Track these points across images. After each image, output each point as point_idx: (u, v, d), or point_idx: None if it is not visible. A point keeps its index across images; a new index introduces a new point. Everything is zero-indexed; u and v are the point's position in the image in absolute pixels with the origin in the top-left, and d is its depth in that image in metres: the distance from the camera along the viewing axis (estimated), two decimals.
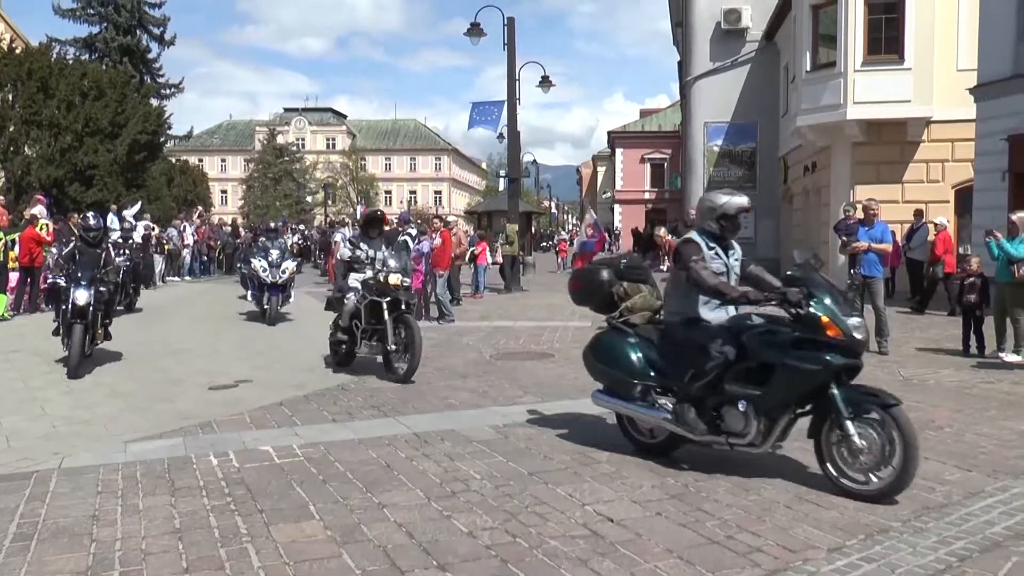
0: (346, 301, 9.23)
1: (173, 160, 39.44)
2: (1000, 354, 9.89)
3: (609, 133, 57.90)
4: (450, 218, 20.37)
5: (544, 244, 53.39)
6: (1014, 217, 10.03)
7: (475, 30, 22.04)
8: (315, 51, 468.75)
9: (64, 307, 9.02)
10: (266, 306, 13.95)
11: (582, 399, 7.82)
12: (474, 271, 19.61)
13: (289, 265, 14.33)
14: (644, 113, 62.46)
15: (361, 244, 9.74)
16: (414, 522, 4.48)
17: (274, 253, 14.32)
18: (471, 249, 19.78)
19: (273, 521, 4.50)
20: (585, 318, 14.45)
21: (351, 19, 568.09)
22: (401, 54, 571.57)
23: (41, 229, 14.97)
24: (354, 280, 9.43)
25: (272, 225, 16.12)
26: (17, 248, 14.43)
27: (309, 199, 70.09)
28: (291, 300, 14.62)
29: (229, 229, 30.33)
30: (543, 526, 4.44)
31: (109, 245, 10.12)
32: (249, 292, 14.87)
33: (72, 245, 9.60)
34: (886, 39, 18.86)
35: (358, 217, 33.78)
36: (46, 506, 4.77)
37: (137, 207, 25.18)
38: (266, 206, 64.30)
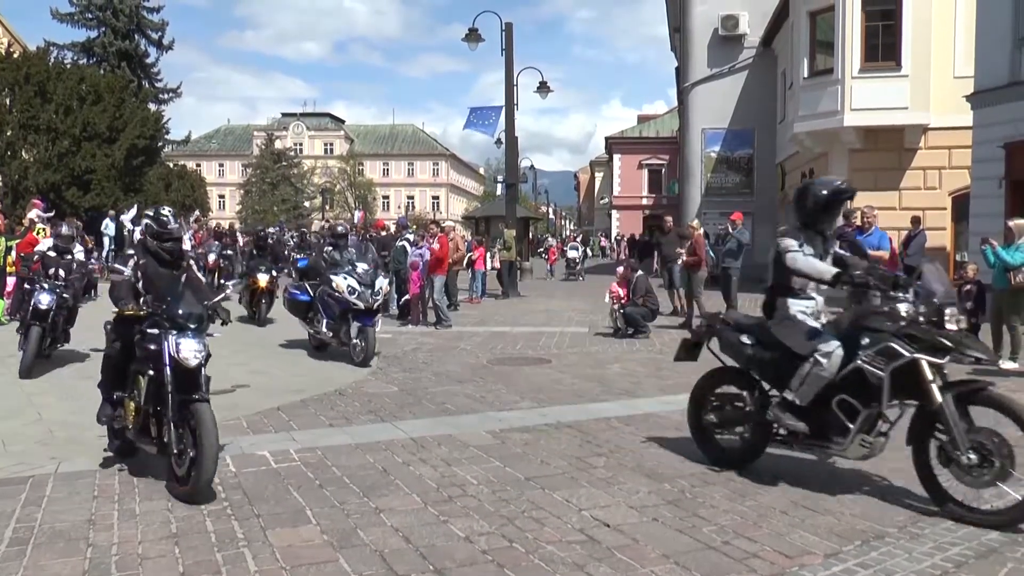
0: (821, 358, 5.01)
1: (171, 165, 39.36)
2: (997, 361, 9.90)
3: (607, 139, 58.06)
4: (447, 223, 20.37)
5: (540, 250, 53.48)
6: (1011, 224, 10.06)
7: (473, 35, 22.10)
8: (313, 56, 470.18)
9: (156, 373, 5.15)
10: (356, 340, 10.18)
11: (579, 404, 7.84)
12: (472, 276, 19.63)
13: (382, 283, 10.94)
14: (642, 119, 62.66)
15: (805, 245, 5.34)
16: (411, 527, 4.49)
17: (361, 267, 10.73)
18: (469, 254, 19.82)
19: (270, 526, 4.50)
20: (583, 324, 14.47)
21: (349, 24, 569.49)
22: (399, 59, 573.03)
23: (38, 234, 14.96)
24: (801, 311, 5.36)
25: (340, 229, 12.13)
26: (14, 253, 14.40)
27: (307, 204, 70.13)
28: (379, 327, 10.78)
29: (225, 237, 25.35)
30: (540, 531, 4.44)
31: (191, 262, 6.40)
32: (324, 322, 10.69)
33: (134, 261, 5.80)
34: (883, 46, 18.96)
35: (355, 222, 33.77)
36: (42, 511, 4.77)
37: (134, 211, 25.21)
38: (264, 211, 64.37)
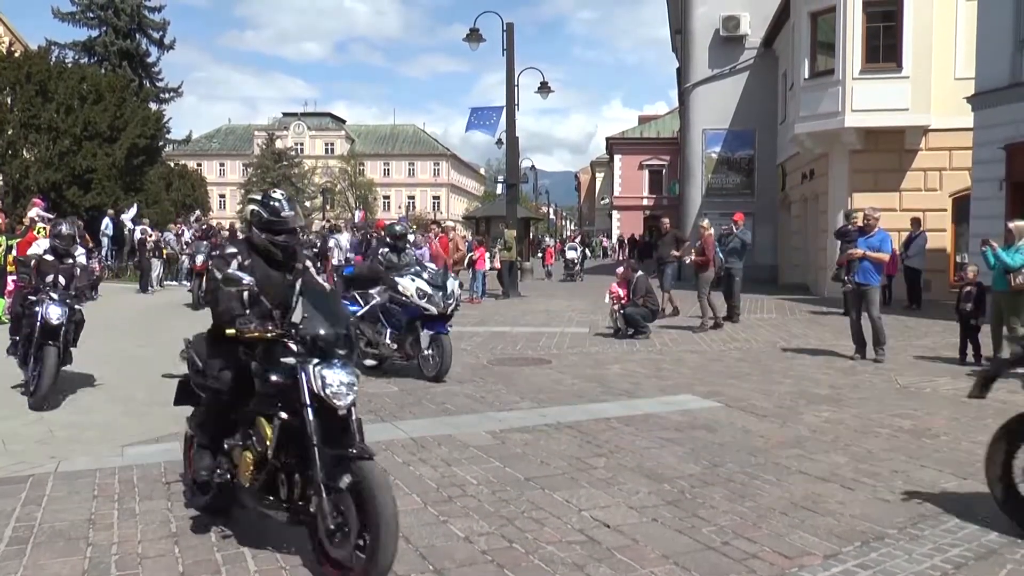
0: None
1: (172, 164, 39.38)
2: None
3: (608, 139, 58.08)
4: (448, 223, 20.36)
5: (539, 250, 53.52)
6: (1011, 225, 10.06)
7: (474, 36, 22.10)
8: (314, 56, 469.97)
9: (293, 416, 3.85)
10: (428, 351, 9.00)
11: (579, 404, 7.84)
12: (472, 276, 19.64)
13: (454, 285, 9.49)
14: (643, 119, 62.65)
15: None
16: (411, 527, 4.48)
17: (431, 267, 9.89)
18: (469, 254, 19.83)
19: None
20: (583, 324, 14.47)
21: (350, 24, 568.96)
22: (400, 59, 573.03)
23: (39, 233, 14.96)
24: None
25: (399, 229, 10.73)
26: (15, 252, 14.43)
27: (307, 204, 70.16)
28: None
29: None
30: (539, 531, 4.44)
31: (309, 262, 4.96)
32: (388, 332, 9.32)
33: (238, 262, 4.33)
34: (884, 47, 18.94)
35: (355, 222, 33.81)
36: (42, 510, 4.77)
37: (134, 210, 25.23)
38: None
